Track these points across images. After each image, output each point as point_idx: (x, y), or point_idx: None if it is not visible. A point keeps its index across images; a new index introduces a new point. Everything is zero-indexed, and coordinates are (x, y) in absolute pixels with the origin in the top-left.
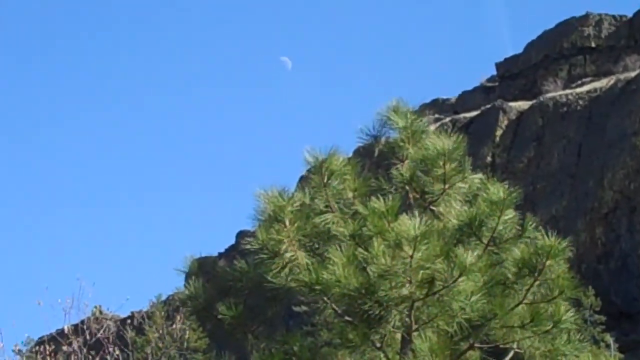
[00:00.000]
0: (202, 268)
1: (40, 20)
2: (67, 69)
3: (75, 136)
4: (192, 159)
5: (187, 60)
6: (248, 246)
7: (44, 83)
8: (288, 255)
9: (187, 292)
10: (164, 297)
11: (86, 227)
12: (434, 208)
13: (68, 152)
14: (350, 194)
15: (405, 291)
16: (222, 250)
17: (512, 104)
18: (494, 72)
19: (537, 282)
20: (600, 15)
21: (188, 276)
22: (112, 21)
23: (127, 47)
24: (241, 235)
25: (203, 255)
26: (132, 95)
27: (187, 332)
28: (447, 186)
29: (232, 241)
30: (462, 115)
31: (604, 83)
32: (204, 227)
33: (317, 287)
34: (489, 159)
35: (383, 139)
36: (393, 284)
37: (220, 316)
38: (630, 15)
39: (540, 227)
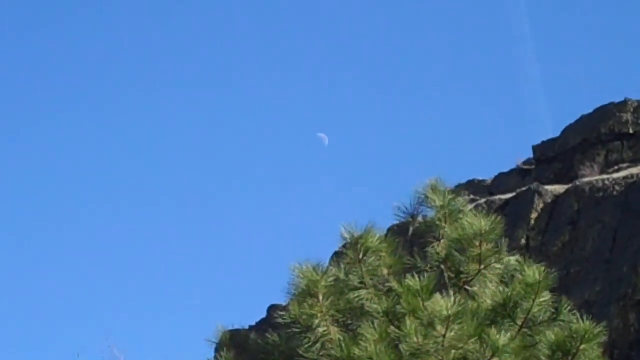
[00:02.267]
0: (233, 340)
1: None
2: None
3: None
4: (228, 230)
5: (226, 141)
6: (280, 320)
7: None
8: (320, 330)
9: None
10: None
11: (117, 288)
12: (468, 288)
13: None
14: (385, 271)
15: None
16: (254, 323)
17: (548, 187)
18: (531, 155)
19: None
20: (639, 101)
21: (219, 348)
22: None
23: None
24: (273, 308)
25: (235, 327)
26: (164, 165)
27: None
28: (482, 266)
29: (264, 314)
30: (497, 197)
31: None
32: (236, 298)
33: None
34: (523, 241)
35: (420, 217)
36: None
37: None
38: None
39: (575, 312)
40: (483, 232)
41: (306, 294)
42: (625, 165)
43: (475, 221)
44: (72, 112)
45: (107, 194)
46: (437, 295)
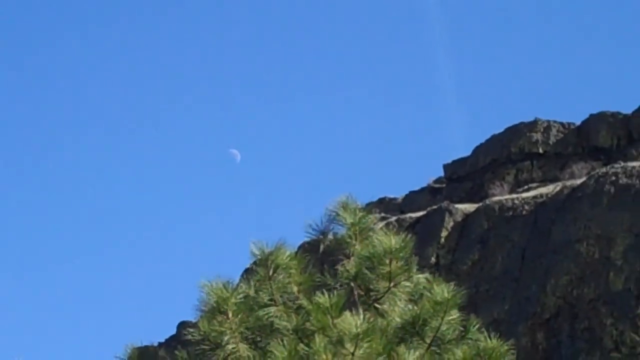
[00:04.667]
0: (142, 357)
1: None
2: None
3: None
4: (138, 247)
5: (136, 152)
6: (189, 337)
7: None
8: (230, 347)
9: None
10: None
11: (25, 305)
12: (378, 306)
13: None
14: (295, 288)
15: None
16: (163, 340)
17: (458, 205)
18: (442, 174)
19: None
20: (548, 121)
21: None
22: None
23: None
24: (183, 325)
25: (144, 344)
26: (90, 177)
27: None
28: (392, 284)
29: (173, 331)
30: (408, 215)
31: (550, 189)
32: (146, 316)
33: None
34: (433, 259)
35: (330, 235)
36: None
37: None
38: (578, 123)
39: (483, 330)
40: (393, 249)
41: (215, 310)
42: (534, 184)
43: (385, 239)
44: None
45: (16, 213)
46: (347, 313)
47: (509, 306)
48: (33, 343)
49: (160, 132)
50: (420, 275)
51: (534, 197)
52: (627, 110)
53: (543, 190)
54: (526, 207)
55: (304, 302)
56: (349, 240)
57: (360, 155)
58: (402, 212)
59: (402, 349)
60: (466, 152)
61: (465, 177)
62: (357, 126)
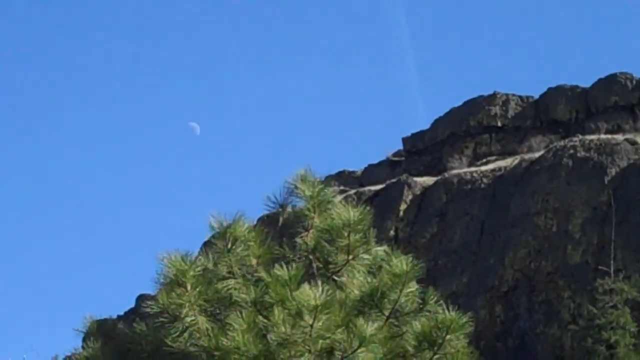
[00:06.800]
0: (101, 329)
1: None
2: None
3: None
4: (94, 219)
5: (94, 123)
6: (148, 309)
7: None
8: (188, 319)
9: (84, 353)
10: (60, 358)
11: None
12: (337, 278)
13: None
14: (253, 261)
15: None
16: (122, 312)
17: (417, 179)
18: (401, 147)
19: (436, 356)
20: (507, 95)
21: (86, 337)
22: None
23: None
24: (142, 298)
25: (102, 316)
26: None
27: None
28: (350, 257)
29: (132, 304)
30: (367, 188)
31: (508, 162)
32: (103, 288)
33: (217, 353)
34: (392, 232)
35: (289, 207)
36: (292, 352)
37: None
38: (536, 96)
39: (441, 302)
40: (351, 222)
41: (174, 283)
42: (493, 158)
43: (344, 212)
44: None
45: None
46: (305, 285)
47: (467, 279)
48: None
49: (120, 105)
50: (379, 248)
51: (493, 170)
52: (586, 84)
53: (501, 163)
54: (485, 180)
55: (263, 274)
56: (307, 213)
57: (320, 129)
58: (361, 185)
59: (360, 321)
60: (425, 125)
61: (424, 150)
62: (317, 99)
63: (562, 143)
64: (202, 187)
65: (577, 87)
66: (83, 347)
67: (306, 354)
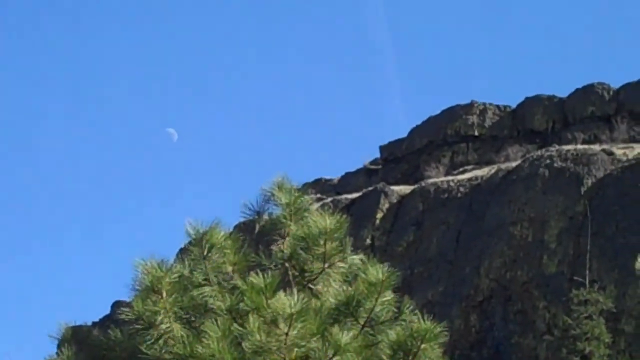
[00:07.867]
0: (75, 336)
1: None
2: None
3: None
4: (69, 224)
5: (72, 130)
6: (123, 316)
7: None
8: (163, 326)
9: None
10: None
11: None
12: (312, 286)
13: None
14: (229, 268)
15: None
16: (97, 319)
17: (394, 187)
18: (378, 155)
19: None
20: (484, 104)
21: (61, 344)
22: None
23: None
24: (117, 305)
25: (77, 323)
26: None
27: None
28: (326, 265)
29: (107, 311)
30: (343, 197)
31: (485, 171)
32: (78, 294)
33: None
34: (368, 241)
35: (265, 215)
36: None
37: None
38: (513, 106)
39: (417, 311)
40: (328, 230)
41: (150, 290)
42: (470, 167)
43: (320, 220)
44: None
45: None
46: (281, 293)
47: (443, 288)
48: None
49: (98, 111)
50: (355, 257)
51: (469, 179)
52: (563, 93)
53: (478, 172)
54: (461, 189)
55: (239, 282)
56: (284, 220)
57: (297, 136)
58: (338, 193)
59: (336, 329)
60: (402, 133)
61: (401, 158)
62: (294, 106)
63: (538, 153)
64: (179, 194)
65: (554, 97)
66: (57, 354)
67: None
